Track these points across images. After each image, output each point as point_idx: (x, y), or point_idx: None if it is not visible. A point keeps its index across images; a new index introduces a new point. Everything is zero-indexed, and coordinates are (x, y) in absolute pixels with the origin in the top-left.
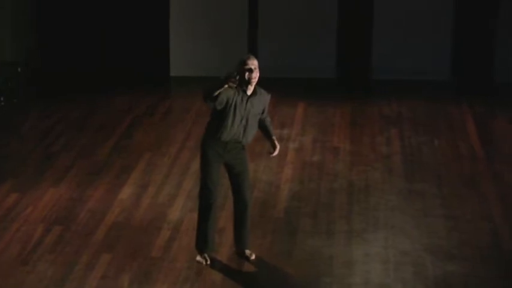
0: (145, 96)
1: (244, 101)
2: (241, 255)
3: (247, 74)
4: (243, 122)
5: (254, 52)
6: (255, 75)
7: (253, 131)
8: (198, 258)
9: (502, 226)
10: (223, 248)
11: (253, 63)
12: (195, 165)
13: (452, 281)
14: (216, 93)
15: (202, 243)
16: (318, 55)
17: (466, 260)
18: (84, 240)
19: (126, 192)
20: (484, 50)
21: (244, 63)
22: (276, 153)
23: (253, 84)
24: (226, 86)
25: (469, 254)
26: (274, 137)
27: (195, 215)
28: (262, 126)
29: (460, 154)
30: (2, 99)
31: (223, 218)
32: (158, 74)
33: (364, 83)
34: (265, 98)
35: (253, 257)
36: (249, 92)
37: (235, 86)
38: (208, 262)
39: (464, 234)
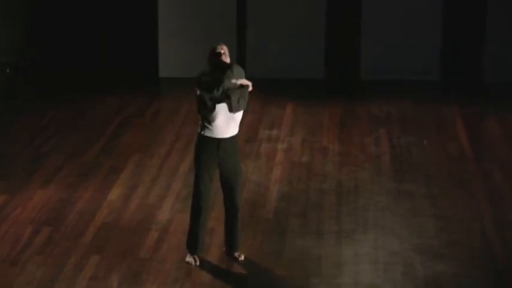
0: (134, 98)
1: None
2: (230, 256)
3: (217, 58)
4: (228, 114)
5: (243, 53)
6: (224, 58)
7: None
8: (187, 258)
9: (491, 225)
10: (213, 248)
11: (222, 48)
12: (184, 166)
13: (442, 281)
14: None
15: (193, 245)
16: (307, 56)
17: (456, 259)
18: (73, 242)
19: (115, 193)
20: (474, 51)
21: (215, 50)
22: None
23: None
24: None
25: (458, 254)
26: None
27: (184, 216)
28: None
29: (449, 154)
30: None
31: (212, 219)
32: (147, 75)
33: (353, 83)
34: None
35: (242, 258)
36: None
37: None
38: (198, 263)
39: (454, 234)
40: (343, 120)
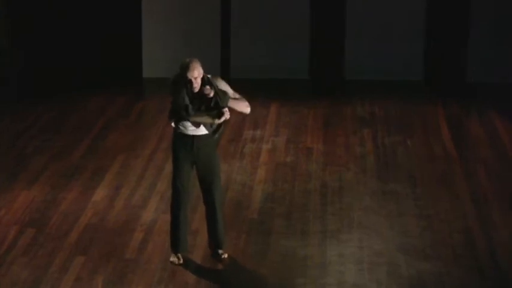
0: (118, 98)
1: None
2: (214, 254)
3: (188, 85)
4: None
5: (227, 53)
6: (196, 85)
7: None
8: (172, 258)
9: (475, 225)
10: (197, 249)
11: (193, 74)
12: (169, 166)
13: (426, 280)
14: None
15: (174, 244)
16: (291, 56)
17: (440, 259)
18: (57, 243)
19: (100, 194)
20: (457, 50)
21: (185, 75)
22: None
23: (196, 90)
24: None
25: (442, 253)
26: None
27: (169, 217)
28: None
29: (433, 154)
30: None
31: (197, 219)
32: (131, 76)
33: (337, 83)
34: (210, 81)
35: (225, 256)
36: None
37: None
38: (181, 261)
39: (438, 233)
40: (328, 121)
